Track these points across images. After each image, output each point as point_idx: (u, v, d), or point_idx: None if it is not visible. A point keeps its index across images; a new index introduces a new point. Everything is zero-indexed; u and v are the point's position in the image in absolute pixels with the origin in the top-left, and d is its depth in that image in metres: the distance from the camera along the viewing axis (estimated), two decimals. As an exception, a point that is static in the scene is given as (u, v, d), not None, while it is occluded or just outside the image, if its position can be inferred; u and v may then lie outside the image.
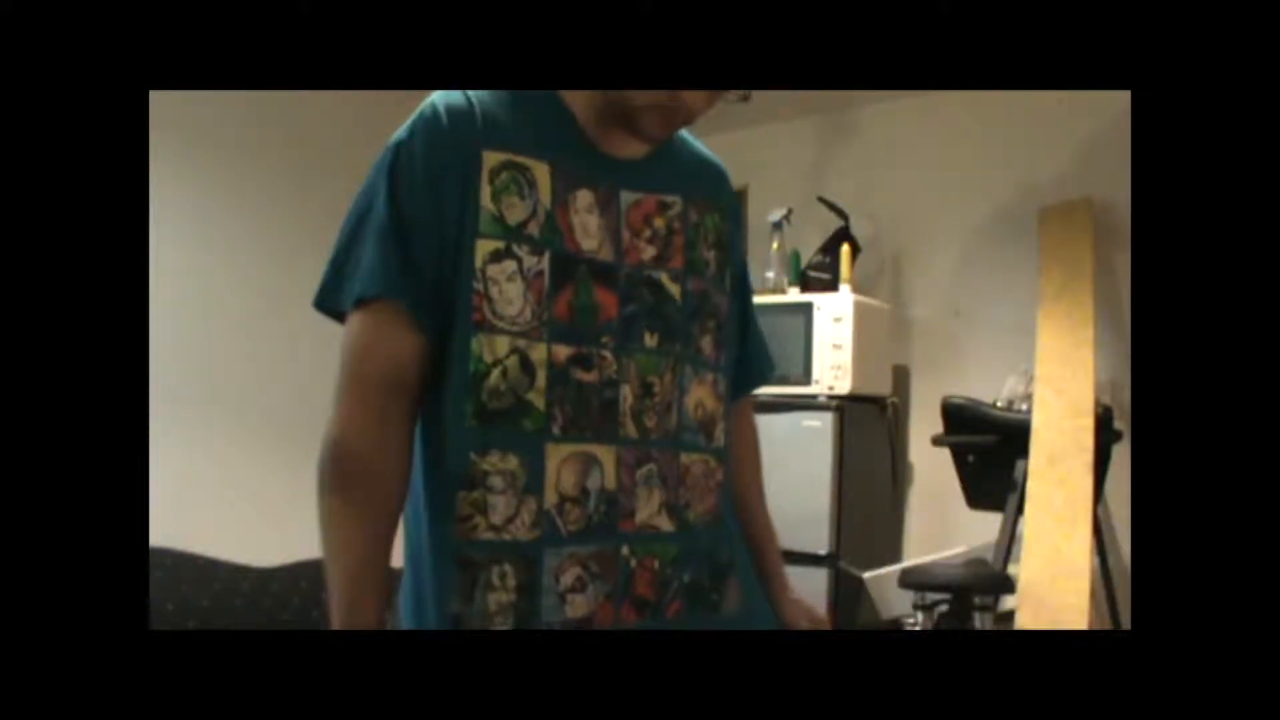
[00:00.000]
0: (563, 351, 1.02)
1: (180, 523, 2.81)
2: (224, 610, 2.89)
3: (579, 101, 1.08)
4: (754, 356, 1.28)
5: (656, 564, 1.06)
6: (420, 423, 1.04)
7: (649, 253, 1.09)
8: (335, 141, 3.29)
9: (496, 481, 0.99)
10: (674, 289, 1.11)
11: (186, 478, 2.90)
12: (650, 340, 1.08)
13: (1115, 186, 2.87)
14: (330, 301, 1.04)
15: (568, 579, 1.00)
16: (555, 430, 1.01)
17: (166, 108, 2.55)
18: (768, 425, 1.36)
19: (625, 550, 1.04)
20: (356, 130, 3.14)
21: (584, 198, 1.06)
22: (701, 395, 1.12)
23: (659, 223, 1.11)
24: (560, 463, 1.01)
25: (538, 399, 1.01)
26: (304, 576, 3.07)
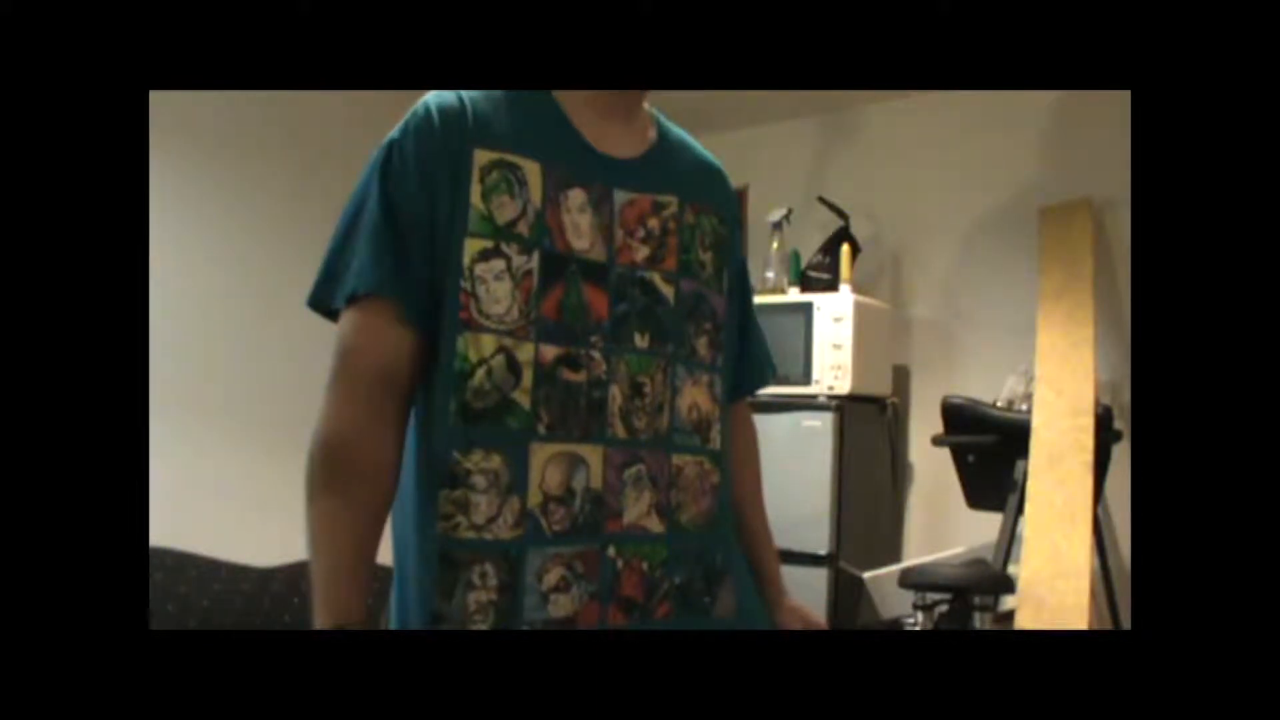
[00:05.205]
0: (550, 351, 1.02)
1: (180, 523, 2.80)
2: (224, 610, 2.89)
3: (576, 100, 1.08)
4: (754, 358, 1.28)
5: (645, 565, 1.06)
6: (412, 419, 1.05)
7: (642, 253, 1.09)
8: (335, 141, 3.29)
9: (479, 480, 0.99)
10: (667, 290, 1.11)
11: (186, 478, 2.89)
12: (641, 341, 1.08)
13: (1115, 186, 2.88)
14: (323, 300, 1.04)
15: (551, 579, 1.00)
16: (540, 430, 1.01)
17: (166, 108, 2.56)
18: (768, 425, 1.36)
19: (611, 551, 1.04)
20: (356, 130, 3.13)
21: (576, 196, 1.05)
22: (696, 396, 1.12)
23: (653, 223, 1.11)
24: (545, 462, 1.01)
25: (523, 398, 1.01)
26: (304, 576, 3.02)
